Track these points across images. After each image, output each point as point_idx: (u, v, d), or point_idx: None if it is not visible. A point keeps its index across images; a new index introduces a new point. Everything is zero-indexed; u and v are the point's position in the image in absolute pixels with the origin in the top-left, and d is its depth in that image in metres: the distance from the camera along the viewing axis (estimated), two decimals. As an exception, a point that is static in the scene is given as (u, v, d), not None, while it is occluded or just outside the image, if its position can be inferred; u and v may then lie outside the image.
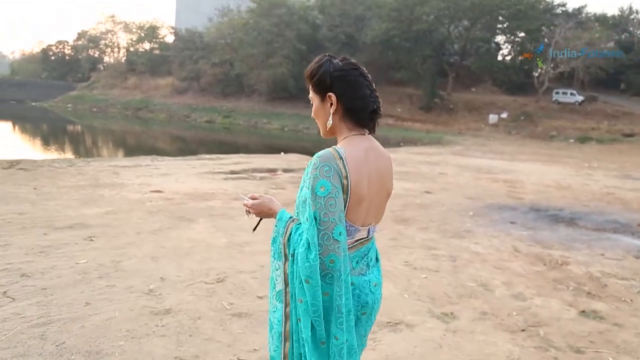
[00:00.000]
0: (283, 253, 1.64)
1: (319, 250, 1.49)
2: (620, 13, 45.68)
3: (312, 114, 1.78)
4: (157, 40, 51.54)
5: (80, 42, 54.67)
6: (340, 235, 1.51)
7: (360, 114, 1.69)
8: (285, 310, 1.63)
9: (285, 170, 12.55)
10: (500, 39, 42.50)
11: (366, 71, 1.73)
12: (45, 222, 6.24)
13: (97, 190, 8.50)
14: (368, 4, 40.89)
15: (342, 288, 1.53)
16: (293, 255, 1.57)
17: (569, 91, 38.92)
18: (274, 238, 1.69)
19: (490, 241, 7.21)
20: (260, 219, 1.90)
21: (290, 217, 1.70)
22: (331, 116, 1.67)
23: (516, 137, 34.02)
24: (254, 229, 2.00)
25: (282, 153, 18.40)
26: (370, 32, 39.58)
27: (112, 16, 51.63)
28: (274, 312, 1.69)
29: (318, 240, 1.49)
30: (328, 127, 1.70)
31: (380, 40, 39.22)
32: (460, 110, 39.95)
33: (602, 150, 29.61)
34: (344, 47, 41.03)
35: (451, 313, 4.36)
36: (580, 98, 38.22)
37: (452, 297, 4.78)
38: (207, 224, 6.76)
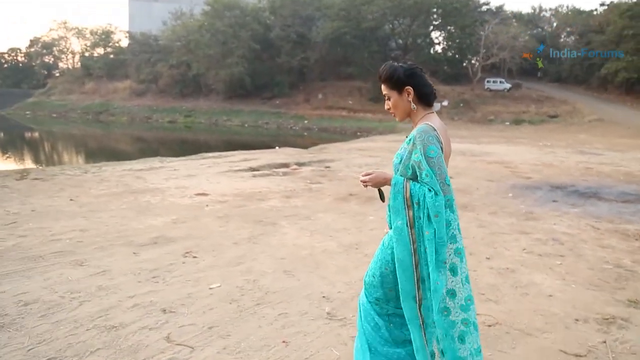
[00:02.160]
0: (407, 204, 1.90)
1: (441, 193, 1.84)
2: (532, 11, 47.33)
3: (389, 107, 2.10)
4: (112, 45, 47.80)
5: (33, 49, 49.59)
6: (449, 181, 1.88)
7: (429, 96, 2.04)
8: (412, 247, 1.89)
9: (299, 164, 11.47)
10: (436, 34, 42.75)
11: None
12: (121, 238, 4.95)
13: (138, 197, 7.13)
14: (317, 4, 39.76)
15: (456, 216, 1.90)
16: (418, 203, 1.87)
17: (498, 79, 39.77)
18: (394, 196, 1.93)
19: (563, 221, 6.62)
20: (379, 189, 2.08)
21: (404, 179, 1.94)
22: (412, 102, 2.01)
23: (459, 122, 34.31)
24: (383, 199, 2.11)
25: (277, 147, 17.19)
26: (321, 31, 38.51)
27: (65, 22, 47.26)
28: (401, 251, 1.89)
29: (439, 187, 1.84)
30: (414, 110, 2.02)
31: (331, 38, 38.28)
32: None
33: (537, 130, 30.39)
34: (296, 45, 39.77)
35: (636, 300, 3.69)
36: (508, 85, 39.15)
37: (616, 282, 4.11)
38: (292, 226, 5.68)
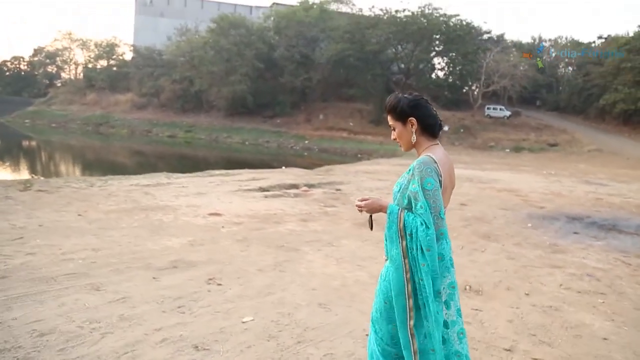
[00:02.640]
0: (399, 235, 1.93)
1: (433, 227, 1.88)
2: (532, 40, 47.90)
3: (395, 137, 2.12)
4: (116, 57, 47.65)
5: (36, 58, 49.26)
6: (443, 214, 1.94)
7: (434, 127, 2.08)
8: (406, 277, 1.92)
9: (308, 186, 11.18)
10: (438, 60, 42.99)
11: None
12: (137, 260, 4.61)
13: (150, 214, 6.80)
14: (322, 26, 39.97)
15: (449, 249, 1.99)
16: (411, 235, 1.90)
17: (498, 107, 39.93)
18: (389, 225, 1.97)
19: (591, 255, 6.35)
20: (371, 216, 2.10)
21: (399, 208, 1.97)
22: (414, 134, 2.04)
23: (459, 147, 34.28)
24: (371, 227, 2.13)
25: (284, 167, 16.90)
26: (325, 52, 38.63)
27: (69, 33, 47.17)
28: (395, 280, 1.94)
29: (432, 220, 1.87)
30: (413, 142, 2.05)
31: (335, 60, 38.39)
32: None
33: (537, 158, 30.34)
34: (299, 65, 39.83)
35: None
36: (508, 113, 39.31)
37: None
38: (316, 253, 5.36)
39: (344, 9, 43.95)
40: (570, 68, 44.48)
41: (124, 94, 43.70)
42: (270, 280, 4.27)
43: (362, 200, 2.04)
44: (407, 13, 38.19)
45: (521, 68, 39.38)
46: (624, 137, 34.36)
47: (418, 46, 39.04)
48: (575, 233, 7.89)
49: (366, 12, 41.19)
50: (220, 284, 4.09)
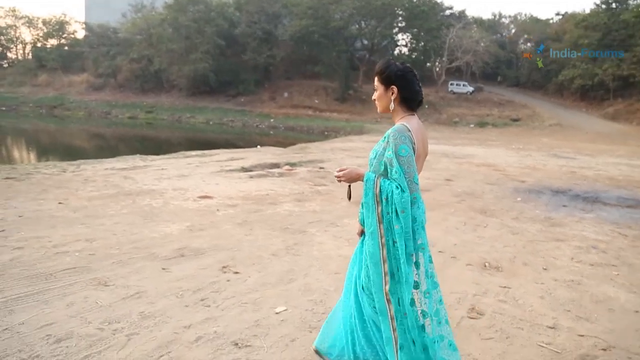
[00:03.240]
0: (376, 200, 2.01)
1: (408, 190, 1.96)
2: (493, 17, 48.56)
3: (375, 98, 2.19)
4: (67, 36, 44.86)
5: None
6: (417, 180, 2.00)
7: (412, 102, 2.13)
8: (380, 241, 2.00)
9: (290, 164, 10.88)
10: (403, 36, 42.93)
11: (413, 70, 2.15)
12: (139, 250, 4.26)
13: (136, 199, 6.37)
14: (283, 2, 38.98)
15: (422, 213, 2.07)
16: (387, 199, 1.97)
17: (462, 83, 40.44)
18: (365, 193, 2.04)
19: (586, 227, 6.43)
20: (349, 186, 2.20)
21: (375, 175, 2.05)
22: (392, 102, 2.10)
23: (425, 124, 34.31)
24: (349, 197, 2.22)
25: (259, 146, 16.48)
26: (289, 28, 37.77)
27: (13, 10, 43.66)
28: (371, 245, 2.02)
29: (407, 184, 1.95)
30: (391, 109, 2.11)
31: (298, 36, 37.63)
32: (371, 101, 39.77)
33: (502, 132, 31.01)
34: (262, 42, 38.83)
35: None
36: (471, 89, 39.89)
37: None
38: (324, 234, 5.15)
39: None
40: (529, 44, 45.40)
41: (78, 75, 41.40)
42: (288, 265, 4.03)
43: (340, 171, 2.10)
44: (370, -12, 37.73)
45: (482, 44, 39.90)
46: (581, 112, 35.57)
47: (382, 22, 38.78)
48: (564, 206, 7.99)
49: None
50: (237, 272, 3.81)
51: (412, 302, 1.97)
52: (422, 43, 39.95)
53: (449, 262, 4.56)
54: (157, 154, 11.85)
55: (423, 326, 1.99)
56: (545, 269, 4.50)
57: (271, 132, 33.78)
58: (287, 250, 4.46)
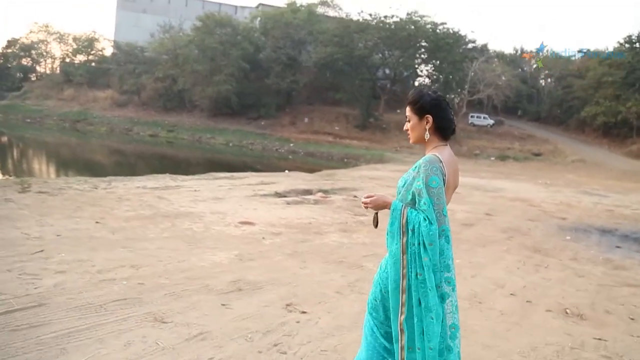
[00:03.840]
0: (402, 231, 1.93)
1: (436, 223, 1.88)
2: (514, 51, 48.49)
3: (408, 128, 2.12)
4: (95, 52, 45.65)
5: (10, 50, 46.59)
6: (446, 212, 1.91)
7: (447, 131, 2.07)
8: (402, 272, 1.92)
9: (322, 191, 10.52)
10: (426, 67, 42.84)
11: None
12: (190, 281, 3.89)
13: (176, 222, 6.03)
14: (309, 29, 39.33)
15: (449, 247, 1.93)
16: (413, 230, 1.90)
17: (482, 115, 40.13)
18: (392, 221, 1.98)
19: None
20: (376, 213, 2.10)
21: (403, 205, 1.97)
22: (427, 131, 2.03)
23: (445, 154, 34.16)
24: (376, 225, 2.14)
25: (287, 171, 16.18)
26: (314, 55, 38.00)
27: (46, 26, 44.67)
28: (393, 273, 1.94)
29: (435, 216, 1.87)
30: (426, 139, 2.04)
31: (322, 63, 37.80)
32: (392, 129, 39.55)
33: (524, 166, 30.45)
34: (286, 68, 39.03)
35: None
36: (491, 121, 39.53)
37: None
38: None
39: (331, 13, 43.53)
40: (550, 79, 45.13)
41: (103, 91, 41.87)
42: (357, 305, 3.61)
43: (367, 197, 2.07)
44: (395, 19, 37.99)
45: (503, 78, 39.75)
46: (603, 149, 34.93)
47: (405, 52, 38.86)
48: (617, 247, 7.50)
49: (354, 17, 40.86)
50: (304, 312, 3.41)
51: (441, 337, 1.92)
52: (444, 75, 39.79)
53: (527, 307, 4.12)
54: (177, 172, 11.60)
55: None
56: (632, 319, 4.04)
57: (290, 157, 33.59)
58: (350, 288, 4.05)
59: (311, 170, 18.45)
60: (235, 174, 12.45)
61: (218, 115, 40.06)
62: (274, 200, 8.55)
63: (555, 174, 26.21)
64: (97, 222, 5.61)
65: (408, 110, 2.10)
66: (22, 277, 3.62)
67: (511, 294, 4.44)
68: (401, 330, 1.92)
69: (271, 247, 5.22)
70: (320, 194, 10.12)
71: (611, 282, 5.26)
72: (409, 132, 2.12)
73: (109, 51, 46.68)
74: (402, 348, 1.92)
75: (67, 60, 45.32)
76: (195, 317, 3.16)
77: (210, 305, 3.39)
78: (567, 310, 4.10)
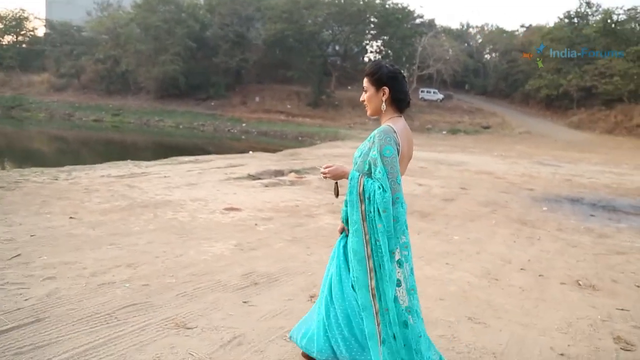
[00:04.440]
0: (359, 199, 2.01)
1: (390, 191, 1.96)
2: (461, 26, 49.47)
3: (365, 99, 2.15)
4: (26, 33, 42.11)
5: None
6: (400, 181, 2.00)
7: (402, 103, 2.14)
8: (365, 238, 2.00)
9: (295, 172, 10.23)
10: (377, 43, 42.78)
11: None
12: (199, 278, 3.57)
13: (157, 213, 5.58)
14: (257, 5, 38.14)
15: (404, 213, 2.03)
16: (369, 198, 1.98)
17: (432, 90, 40.79)
18: (350, 191, 2.05)
19: (632, 238, 6.15)
20: (336, 183, 2.17)
21: (359, 174, 2.06)
22: (384, 102, 2.10)
23: (399, 130, 34.54)
24: (337, 194, 2.21)
25: (251, 152, 15.67)
26: (264, 32, 36.98)
27: (-34, 4, 40.77)
28: (355, 242, 2.02)
29: (389, 185, 1.95)
30: (383, 110, 2.11)
31: (272, 40, 36.90)
32: (344, 106, 39.49)
33: (475, 139, 31.27)
34: (235, 45, 37.78)
35: None
36: (441, 96, 40.29)
37: None
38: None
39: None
40: (495, 54, 46.45)
41: (38, 74, 38.90)
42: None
43: (326, 167, 2.09)
44: (344, -6, 37.53)
45: (451, 52, 40.47)
46: (546, 121, 36.53)
47: (355, 28, 38.61)
48: (592, 215, 7.76)
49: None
50: (331, 306, 3.17)
51: (396, 299, 1.99)
52: (393, 50, 39.90)
53: (542, 281, 4.10)
54: (126, 158, 10.90)
55: (406, 322, 2.01)
56: (638, 286, 4.12)
57: (243, 137, 32.85)
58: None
59: (266, 150, 18.00)
60: (199, 158, 11.88)
61: (165, 97, 38.40)
62: (250, 184, 8.19)
63: (505, 146, 27.10)
64: (71, 218, 5.08)
65: (365, 81, 2.12)
66: (4, 287, 3.15)
67: (521, 269, 4.40)
68: (373, 295, 1.98)
69: (268, 234, 4.93)
70: (293, 174, 9.83)
71: (604, 251, 5.38)
72: (365, 103, 2.15)
73: (41, 31, 43.37)
74: (376, 313, 1.99)
75: (-6, 41, 41.77)
76: (220, 318, 2.86)
77: (231, 303, 3.09)
78: (580, 282, 4.11)
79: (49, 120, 33.83)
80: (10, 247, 3.99)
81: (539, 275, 4.24)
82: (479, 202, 8.12)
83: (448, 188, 9.45)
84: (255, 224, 5.32)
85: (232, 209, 6.00)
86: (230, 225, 5.20)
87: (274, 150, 17.96)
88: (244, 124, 36.46)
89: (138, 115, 36.26)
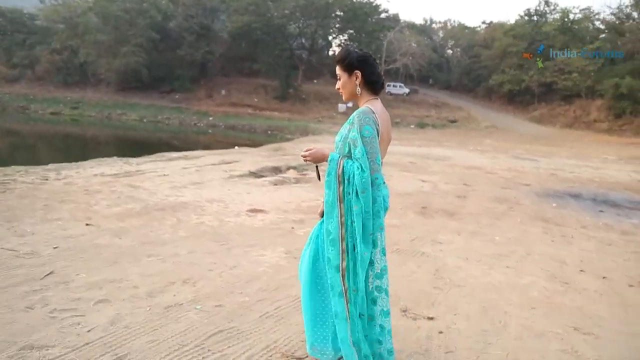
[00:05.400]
0: (338, 180, 2.00)
1: (369, 171, 1.95)
2: (424, 22, 50.00)
3: (339, 87, 2.15)
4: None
5: None
6: (379, 161, 2.00)
7: (376, 84, 2.12)
8: (340, 220, 1.99)
9: (294, 168, 9.83)
10: (343, 37, 42.47)
11: None
12: (272, 293, 3.22)
13: (179, 217, 5.10)
14: (222, -4, 37.08)
15: (382, 194, 2.02)
16: (348, 179, 1.97)
17: (398, 84, 40.99)
18: (328, 172, 2.03)
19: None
20: (317, 166, 2.17)
21: (339, 156, 2.04)
22: (358, 86, 2.08)
23: (369, 124, 34.55)
24: (319, 177, 2.22)
25: (236, 147, 15.04)
26: (230, 24, 35.94)
27: None
28: (330, 223, 2.01)
29: (368, 164, 1.94)
30: (358, 94, 2.09)
31: (239, 32, 35.94)
32: (312, 100, 39.14)
33: (443, 133, 31.66)
34: (200, 37, 36.55)
35: None
36: (407, 90, 40.55)
37: None
38: (440, 253, 4.34)
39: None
40: (457, 49, 47.23)
41: (-13, 65, 36.40)
42: (465, 302, 3.15)
43: (307, 151, 2.08)
44: (312, -13, 36.96)
45: (414, 46, 40.84)
46: (509, 115, 37.48)
47: (322, 22, 38.20)
48: (601, 211, 7.79)
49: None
50: (430, 317, 2.90)
51: (366, 279, 2.02)
52: (360, 44, 39.79)
53: (610, 284, 3.96)
54: (88, 153, 10.07)
55: (375, 300, 2.04)
56: None
57: (210, 131, 31.93)
58: (435, 280, 3.58)
59: (234, 144, 17.40)
60: (188, 154, 11.23)
61: (127, 90, 36.73)
62: (256, 182, 7.73)
63: (475, 140, 27.53)
64: (87, 225, 4.53)
65: (338, 68, 2.13)
66: (55, 315, 2.66)
67: (581, 271, 4.26)
68: (342, 276, 1.99)
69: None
70: (292, 171, 9.43)
71: (635, 248, 5.34)
72: (341, 90, 2.15)
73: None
74: (346, 291, 1.99)
75: None
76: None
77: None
78: (642, 283, 4.00)
79: (1, 113, 31.59)
80: (37, 262, 3.45)
81: (603, 278, 4.10)
82: (489, 198, 8.01)
83: (452, 184, 9.31)
84: (292, 228, 4.93)
85: (256, 210, 5.57)
86: (266, 230, 4.79)
87: (241, 144, 17.39)
88: (210, 118, 35.40)
89: (99, 109, 34.51)
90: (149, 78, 36.35)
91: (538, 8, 38.41)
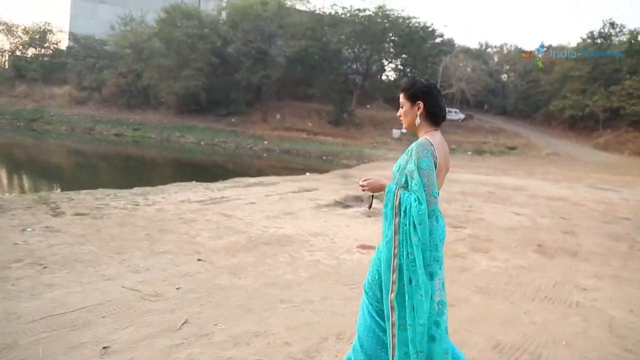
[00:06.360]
0: (394, 212, 1.99)
1: (426, 203, 1.92)
2: (479, 46, 49.04)
3: (401, 114, 2.20)
4: (49, 45, 41.67)
5: None
6: (436, 193, 1.98)
7: (437, 117, 2.13)
8: (393, 251, 1.97)
9: (376, 199, 9.33)
10: (394, 62, 42.14)
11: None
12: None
13: (290, 253, 4.71)
14: (279, 22, 37.66)
15: (440, 226, 2.01)
16: (405, 211, 1.94)
17: (453, 109, 40.03)
18: (385, 204, 2.05)
19: None
20: (372, 195, 2.28)
21: (396, 187, 2.05)
22: (418, 117, 2.11)
23: (423, 149, 33.76)
24: (370, 206, 2.36)
25: (307, 174, 14.79)
26: (288, 49, 36.44)
27: (-9, 16, 40.15)
28: (386, 253, 1.99)
29: (425, 197, 1.92)
30: (417, 124, 2.12)
31: (296, 57, 36.34)
32: (365, 125, 38.78)
33: (502, 160, 30.40)
34: (257, 62, 37.20)
35: None
36: (462, 116, 39.56)
37: None
38: (587, 300, 3.65)
39: (299, 6, 41.98)
40: (513, 74, 45.88)
41: (60, 87, 38.22)
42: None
43: (365, 180, 2.17)
44: (368, 13, 37.04)
45: (469, 70, 39.92)
46: (571, 142, 35.72)
47: (377, 47, 38.09)
48: None
49: (325, 10, 39.61)
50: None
51: (427, 312, 1.93)
52: (411, 69, 39.20)
53: None
54: (142, 174, 9.92)
55: (433, 336, 1.95)
56: None
57: (264, 155, 32.02)
58: (619, 338, 2.94)
59: (289, 169, 17.15)
60: (263, 180, 10.99)
61: (185, 113, 37.66)
62: (349, 213, 7.29)
63: (538, 168, 26.23)
64: (199, 260, 4.19)
65: (401, 97, 2.16)
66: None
67: None
68: (392, 307, 1.94)
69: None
70: (376, 201, 8.92)
71: None
72: (401, 118, 2.20)
73: (64, 44, 42.85)
74: (392, 325, 1.95)
75: (18, 53, 41.12)
76: None
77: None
78: None
79: (70, 133, 33.00)
80: (165, 307, 3.10)
81: None
82: (600, 234, 7.22)
83: (549, 218, 8.54)
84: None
85: (366, 246, 5.10)
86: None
87: (299, 170, 17.12)
88: (265, 141, 35.63)
89: (158, 130, 35.49)
90: (207, 101, 37.15)
91: (602, 30, 36.78)
